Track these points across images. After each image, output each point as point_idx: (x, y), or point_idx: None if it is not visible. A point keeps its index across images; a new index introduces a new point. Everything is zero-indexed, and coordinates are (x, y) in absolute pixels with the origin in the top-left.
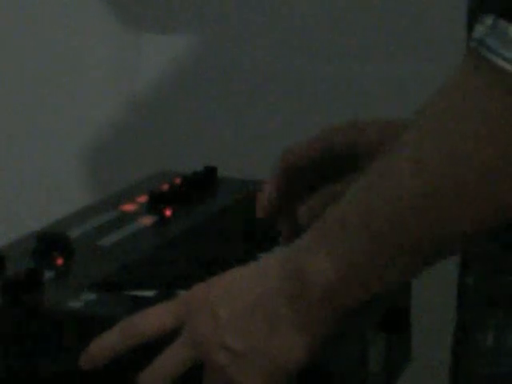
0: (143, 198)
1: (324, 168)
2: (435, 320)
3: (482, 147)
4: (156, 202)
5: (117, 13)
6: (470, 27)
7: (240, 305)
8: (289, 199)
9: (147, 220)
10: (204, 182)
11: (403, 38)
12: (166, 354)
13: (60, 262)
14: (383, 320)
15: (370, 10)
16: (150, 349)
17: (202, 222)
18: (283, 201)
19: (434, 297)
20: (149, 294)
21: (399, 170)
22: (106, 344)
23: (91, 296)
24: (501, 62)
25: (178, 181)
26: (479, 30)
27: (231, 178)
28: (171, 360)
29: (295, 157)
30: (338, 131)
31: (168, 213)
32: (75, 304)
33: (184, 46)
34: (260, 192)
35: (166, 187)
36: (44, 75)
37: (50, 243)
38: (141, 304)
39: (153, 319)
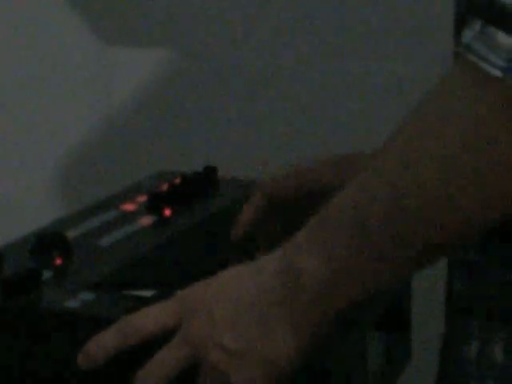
0: (143, 198)
1: (298, 203)
2: (435, 320)
3: (468, 151)
4: (156, 201)
5: (91, 19)
6: (458, 31)
7: (235, 304)
8: (265, 226)
9: (147, 220)
10: (204, 181)
11: (403, 38)
12: (163, 353)
13: (59, 261)
14: (383, 320)
15: (369, 10)
16: (147, 348)
17: (202, 222)
18: (259, 227)
19: (434, 297)
20: (148, 294)
21: (390, 171)
22: (103, 343)
23: (90, 296)
24: (488, 68)
25: (177, 181)
26: (467, 35)
27: (231, 178)
28: (167, 359)
29: (272, 189)
30: (314, 171)
31: (168, 213)
32: (74, 304)
33: (184, 44)
34: (238, 217)
35: (165, 187)
36: (44, 74)
37: (48, 243)
38: (140, 304)
39: (150, 318)
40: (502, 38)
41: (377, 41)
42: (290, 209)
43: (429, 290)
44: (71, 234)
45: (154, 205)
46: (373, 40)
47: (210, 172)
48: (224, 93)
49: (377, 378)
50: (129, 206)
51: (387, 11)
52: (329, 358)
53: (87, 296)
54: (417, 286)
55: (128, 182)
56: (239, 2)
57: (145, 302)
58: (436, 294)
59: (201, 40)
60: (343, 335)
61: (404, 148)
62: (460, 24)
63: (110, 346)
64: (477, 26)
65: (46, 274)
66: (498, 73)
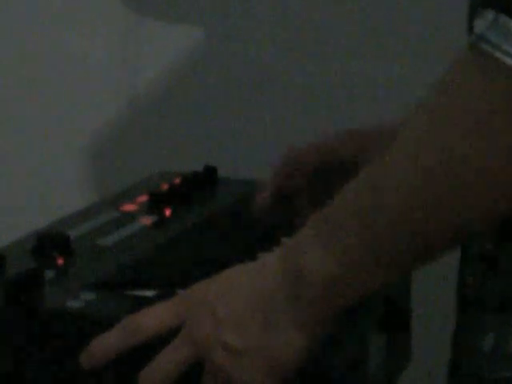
0: (143, 198)
1: (324, 173)
2: (435, 320)
3: (481, 145)
4: (156, 201)
5: (117, 5)
6: (472, 24)
7: (239, 303)
8: (289, 198)
9: (147, 220)
10: (204, 182)
11: (403, 37)
12: (166, 352)
13: (60, 261)
14: (383, 320)
15: (369, 10)
16: (150, 348)
17: (202, 222)
18: (282, 199)
19: (434, 297)
20: (149, 294)
21: (396, 168)
22: (106, 343)
23: (91, 296)
24: (502, 57)
25: (177, 181)
26: (480, 25)
27: (231, 178)
28: (171, 358)
29: (295, 160)
30: (338, 142)
31: (168, 213)
32: (75, 304)
33: (184, 45)
34: (259, 192)
35: (165, 187)
36: (43, 75)
37: (50, 243)
38: (141, 304)
39: (153, 318)
40: None
41: (377, 41)
42: (313, 180)
43: (429, 289)
44: (72, 234)
45: (154, 205)
46: (373, 40)
47: (210, 172)
48: (224, 93)
49: (377, 378)
50: (129, 206)
51: (388, 11)
52: (329, 358)
53: (89, 296)
54: (417, 286)
55: (128, 182)
56: (243, 0)
57: (147, 302)
58: (437, 294)
59: (202, 40)
60: (343, 335)
61: (411, 140)
62: (473, 16)
63: (113, 345)
64: (490, 15)
65: (48, 274)
66: (511, 61)
